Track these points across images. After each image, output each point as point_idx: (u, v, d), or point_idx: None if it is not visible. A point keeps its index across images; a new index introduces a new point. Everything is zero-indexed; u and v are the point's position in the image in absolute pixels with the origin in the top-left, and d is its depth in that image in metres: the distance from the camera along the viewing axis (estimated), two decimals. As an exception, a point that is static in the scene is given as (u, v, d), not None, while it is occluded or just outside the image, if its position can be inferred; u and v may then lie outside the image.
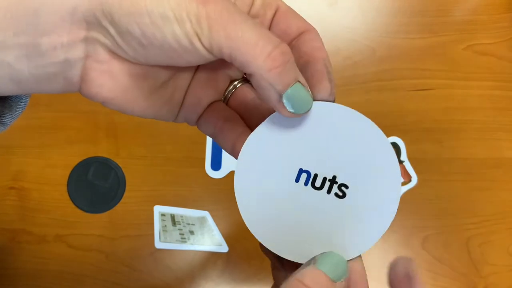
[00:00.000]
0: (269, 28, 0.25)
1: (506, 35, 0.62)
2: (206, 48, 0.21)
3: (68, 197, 0.58)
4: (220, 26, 0.20)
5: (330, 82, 0.24)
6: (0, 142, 0.58)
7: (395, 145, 0.59)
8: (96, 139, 0.59)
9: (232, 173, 0.58)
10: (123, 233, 0.57)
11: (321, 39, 0.25)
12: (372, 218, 0.24)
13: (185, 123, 0.28)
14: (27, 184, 0.58)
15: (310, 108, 0.22)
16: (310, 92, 0.22)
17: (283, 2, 0.26)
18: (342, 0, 0.62)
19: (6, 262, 0.56)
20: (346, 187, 0.24)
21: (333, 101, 0.24)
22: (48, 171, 0.58)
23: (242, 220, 0.25)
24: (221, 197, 0.58)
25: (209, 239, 0.57)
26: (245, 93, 0.27)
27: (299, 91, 0.22)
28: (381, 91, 0.60)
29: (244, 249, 0.57)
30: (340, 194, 0.24)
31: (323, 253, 0.24)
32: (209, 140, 0.59)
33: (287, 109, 0.22)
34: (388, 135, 0.60)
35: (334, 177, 0.24)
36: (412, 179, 0.58)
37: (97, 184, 0.58)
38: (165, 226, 0.57)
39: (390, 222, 0.24)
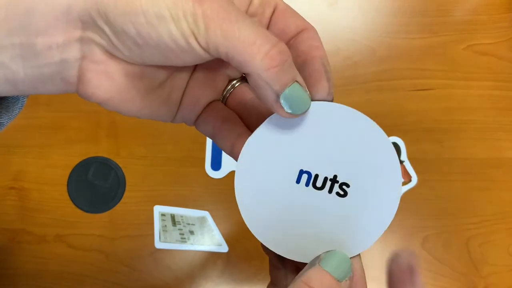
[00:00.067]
0: (268, 27, 0.25)
1: (506, 35, 0.62)
2: (203, 48, 0.21)
3: (68, 197, 0.58)
4: (217, 24, 0.20)
5: (328, 82, 0.23)
6: (0, 142, 0.58)
7: (395, 145, 0.59)
8: (96, 139, 0.59)
9: (232, 173, 0.58)
10: (123, 233, 0.57)
11: (319, 38, 0.25)
12: (373, 216, 0.24)
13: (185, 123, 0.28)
14: (27, 184, 0.58)
15: (308, 109, 0.22)
16: (308, 92, 0.22)
17: (282, 0, 0.25)
18: (342, 0, 0.62)
19: (6, 262, 0.56)
20: (348, 186, 0.24)
21: (331, 101, 0.24)
22: (48, 171, 0.58)
23: (242, 220, 0.25)
24: (221, 197, 0.58)
25: (209, 239, 0.57)
26: (243, 92, 0.27)
27: (297, 91, 0.21)
28: (381, 91, 0.60)
29: (244, 249, 0.57)
30: (342, 193, 0.24)
31: (327, 252, 0.24)
32: (209, 140, 0.59)
33: (284, 110, 0.21)
34: (388, 135, 0.60)
35: (335, 176, 0.24)
36: (412, 179, 0.58)
37: (97, 184, 0.58)
38: (165, 226, 0.57)
39: (391, 220, 0.25)
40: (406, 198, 0.58)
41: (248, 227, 0.25)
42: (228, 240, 0.57)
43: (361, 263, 0.25)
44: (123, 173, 0.58)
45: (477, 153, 0.59)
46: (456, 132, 0.59)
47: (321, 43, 0.24)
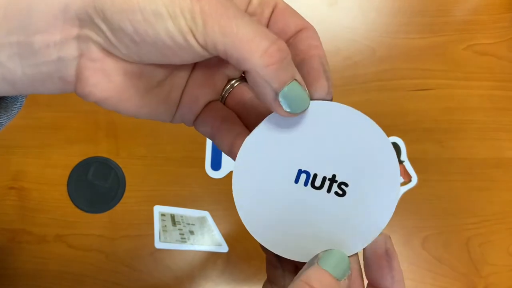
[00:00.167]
0: (267, 27, 0.25)
1: (506, 35, 0.62)
2: (201, 45, 0.20)
3: (68, 197, 0.58)
4: (215, 21, 0.20)
5: (327, 81, 0.23)
6: (0, 142, 0.58)
7: (395, 145, 0.59)
8: (96, 139, 0.59)
9: (232, 173, 0.58)
10: (123, 233, 0.57)
11: (318, 37, 0.24)
12: (371, 215, 0.24)
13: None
14: (27, 184, 0.58)
15: (307, 108, 0.22)
16: (307, 91, 0.22)
17: (281, 0, 0.25)
18: (342, 0, 0.62)
19: (6, 262, 0.56)
20: (346, 185, 0.24)
21: (331, 100, 0.24)
22: (48, 171, 0.58)
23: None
24: (221, 197, 0.58)
25: (209, 239, 0.57)
26: (242, 92, 0.27)
27: (296, 89, 0.21)
28: (381, 91, 0.60)
29: (244, 249, 0.57)
30: (340, 192, 0.24)
31: (326, 251, 0.24)
32: (209, 140, 0.59)
33: (283, 108, 0.21)
34: (388, 135, 0.60)
35: (334, 175, 0.24)
36: (412, 179, 0.58)
37: (97, 184, 0.58)
38: (165, 226, 0.57)
39: (389, 218, 0.25)
40: (406, 198, 0.58)
41: (246, 227, 0.24)
42: (228, 240, 0.57)
43: (359, 261, 0.25)
44: (123, 173, 0.58)
45: (477, 153, 0.59)
46: (456, 132, 0.59)
47: (320, 43, 0.24)
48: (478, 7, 0.62)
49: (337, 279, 0.23)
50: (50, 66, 0.22)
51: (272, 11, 0.25)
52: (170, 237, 0.57)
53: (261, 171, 0.24)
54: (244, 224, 0.24)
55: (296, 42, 0.24)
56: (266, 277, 0.30)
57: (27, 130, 0.59)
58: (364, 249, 0.25)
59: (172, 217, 0.57)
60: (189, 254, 0.57)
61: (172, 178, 0.58)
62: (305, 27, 0.24)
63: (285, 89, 0.21)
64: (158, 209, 0.57)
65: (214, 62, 0.26)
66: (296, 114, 0.22)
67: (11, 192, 0.58)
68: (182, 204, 0.58)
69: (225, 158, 0.59)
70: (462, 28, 0.62)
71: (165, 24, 0.20)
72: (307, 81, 0.23)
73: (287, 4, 0.25)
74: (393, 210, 0.24)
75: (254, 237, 0.25)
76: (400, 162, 0.59)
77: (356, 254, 0.25)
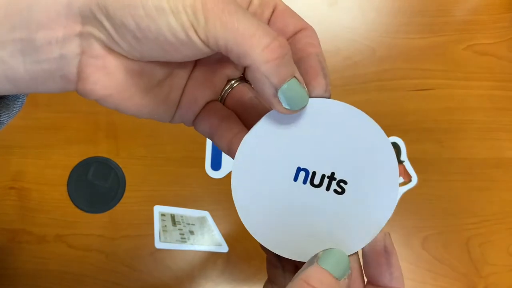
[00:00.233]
0: None
1: (506, 35, 0.62)
2: (202, 40, 0.20)
3: (68, 197, 0.58)
4: (217, 17, 0.20)
5: (325, 78, 0.23)
6: (0, 143, 0.58)
7: (395, 145, 0.59)
8: (96, 139, 0.59)
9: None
10: (123, 233, 0.57)
11: (317, 37, 0.25)
12: (371, 212, 0.24)
13: (184, 124, 0.28)
14: (27, 184, 0.58)
15: (306, 105, 0.22)
16: (306, 88, 0.22)
17: (281, 1, 0.25)
18: (342, 0, 0.62)
19: (6, 262, 0.56)
20: (345, 183, 0.24)
21: (329, 97, 0.24)
22: (48, 171, 0.58)
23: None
24: (221, 197, 0.58)
25: (209, 239, 0.57)
26: (242, 92, 0.27)
27: (295, 87, 0.21)
28: (381, 91, 0.60)
29: (244, 249, 0.57)
30: (339, 190, 0.24)
31: (325, 250, 0.24)
32: (209, 140, 0.59)
33: (282, 105, 0.21)
34: (388, 135, 0.60)
35: (333, 173, 0.24)
36: (412, 179, 0.58)
37: (97, 184, 0.58)
38: (165, 226, 0.57)
39: (389, 216, 0.24)
40: (406, 198, 0.58)
41: (246, 226, 0.24)
42: (228, 240, 0.57)
43: (359, 260, 0.25)
44: (123, 173, 0.58)
45: (477, 153, 0.59)
46: (456, 132, 0.59)
47: (319, 42, 0.24)
48: (478, 7, 0.62)
49: (337, 279, 0.23)
50: (52, 63, 0.22)
51: (272, 12, 0.25)
52: (170, 237, 0.57)
53: (260, 169, 0.24)
54: (244, 223, 0.24)
55: (294, 42, 0.24)
56: (266, 277, 0.30)
57: (27, 130, 0.59)
58: (363, 248, 0.25)
59: (172, 217, 0.57)
60: (189, 254, 0.57)
61: (172, 178, 0.58)
62: (304, 28, 0.25)
63: (285, 86, 0.21)
64: (158, 209, 0.57)
65: (214, 62, 0.26)
66: (295, 111, 0.22)
67: (11, 192, 0.58)
68: (182, 204, 0.58)
69: (225, 158, 0.59)
70: (462, 28, 0.62)
71: (167, 19, 0.20)
72: (305, 79, 0.23)
73: (287, 6, 0.25)
74: (394, 207, 0.24)
75: (254, 236, 0.24)
76: (400, 162, 0.59)
77: (356, 253, 0.25)
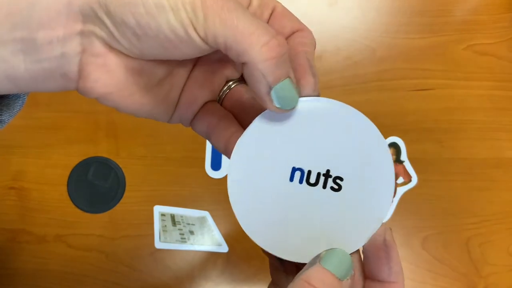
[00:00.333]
0: None
1: (506, 35, 0.62)
2: (202, 38, 0.21)
3: (68, 197, 0.58)
4: (216, 14, 0.20)
5: (314, 77, 0.23)
6: (0, 142, 0.58)
7: (395, 145, 0.59)
8: (96, 139, 0.59)
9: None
10: (123, 233, 0.57)
11: (312, 38, 0.25)
12: (370, 206, 0.24)
13: (184, 123, 0.28)
14: (27, 184, 0.58)
15: (295, 106, 0.23)
16: (297, 89, 0.22)
17: (280, 3, 0.26)
18: (342, 0, 0.62)
19: (6, 262, 0.56)
20: (341, 179, 0.24)
21: (318, 95, 0.24)
22: (48, 171, 0.58)
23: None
24: (221, 197, 0.58)
25: (209, 239, 0.57)
26: (240, 93, 0.27)
27: (288, 87, 0.22)
28: (381, 91, 0.60)
29: (244, 249, 0.57)
30: (336, 187, 0.24)
31: (328, 250, 0.24)
32: (209, 140, 0.59)
33: (273, 104, 0.22)
34: (388, 135, 0.60)
35: (328, 171, 0.24)
36: (412, 179, 0.58)
37: (97, 184, 0.58)
38: (165, 226, 0.57)
39: (388, 208, 0.24)
40: (406, 198, 0.58)
41: (244, 229, 0.24)
42: (228, 240, 0.57)
43: (361, 258, 0.25)
44: (123, 173, 0.58)
45: (477, 153, 0.59)
46: (456, 132, 0.59)
47: (312, 43, 0.25)
48: (478, 7, 0.62)
49: (340, 279, 0.22)
50: (52, 62, 0.22)
51: (271, 14, 0.25)
52: (170, 237, 0.57)
53: (255, 172, 0.24)
54: (242, 227, 0.24)
55: (288, 41, 0.24)
56: (265, 277, 0.30)
57: (27, 130, 0.59)
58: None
59: (172, 217, 0.57)
60: (189, 254, 0.57)
61: (172, 178, 0.58)
62: (300, 29, 0.25)
63: (278, 85, 0.21)
64: (158, 209, 0.57)
65: (213, 63, 0.26)
66: (285, 110, 0.22)
67: (11, 192, 0.58)
68: (182, 204, 0.58)
69: (225, 158, 0.59)
70: (462, 28, 0.62)
71: (166, 16, 0.20)
72: (294, 77, 0.23)
73: (285, 8, 0.25)
74: (391, 199, 0.24)
75: (252, 239, 0.24)
76: (400, 162, 0.59)
77: (358, 253, 0.25)
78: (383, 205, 0.24)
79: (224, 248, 0.57)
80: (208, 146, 0.59)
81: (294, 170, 0.24)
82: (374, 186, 0.24)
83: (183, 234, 0.57)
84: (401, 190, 0.58)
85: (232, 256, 0.57)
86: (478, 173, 0.58)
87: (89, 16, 0.21)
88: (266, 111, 0.24)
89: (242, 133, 0.24)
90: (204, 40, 0.21)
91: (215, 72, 0.27)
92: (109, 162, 0.58)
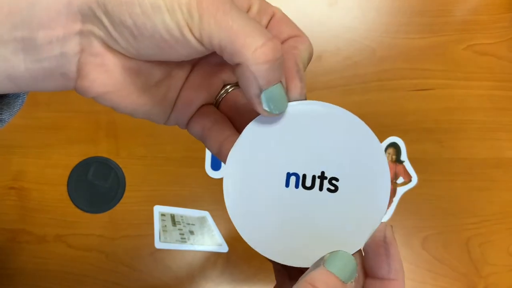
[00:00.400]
0: None
1: (506, 35, 0.62)
2: (197, 39, 0.21)
3: (68, 197, 0.58)
4: (211, 15, 0.20)
5: (301, 81, 0.23)
6: (0, 142, 0.58)
7: (395, 145, 0.59)
8: (96, 139, 0.59)
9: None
10: (123, 233, 0.57)
11: (307, 44, 0.25)
12: (368, 204, 0.24)
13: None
14: (27, 184, 0.58)
15: (284, 111, 0.23)
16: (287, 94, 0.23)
17: (279, 9, 0.26)
18: (342, 0, 0.62)
19: (6, 262, 0.56)
20: (337, 179, 0.24)
21: (305, 99, 0.24)
22: (48, 171, 0.58)
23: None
24: (221, 197, 0.57)
25: (209, 239, 0.57)
26: (236, 97, 0.27)
27: (279, 92, 0.22)
28: (381, 91, 0.60)
29: (244, 249, 0.57)
30: (332, 188, 0.24)
31: (332, 252, 0.24)
32: (209, 140, 0.59)
33: (262, 107, 0.22)
34: (388, 135, 0.60)
35: (323, 172, 0.24)
36: (412, 179, 0.58)
37: (97, 184, 0.58)
38: (165, 226, 0.57)
39: (386, 205, 0.24)
40: (406, 198, 0.58)
41: (244, 238, 0.24)
42: (228, 240, 0.57)
43: (362, 258, 0.25)
44: (123, 173, 0.58)
45: (477, 153, 0.59)
46: (456, 132, 0.59)
47: (306, 48, 0.24)
48: (478, 7, 0.62)
49: (343, 282, 0.22)
50: (52, 61, 0.22)
51: (270, 20, 0.25)
52: (170, 237, 0.57)
53: (251, 179, 0.24)
54: (242, 236, 0.24)
55: (282, 46, 0.24)
56: (265, 277, 0.30)
57: (27, 130, 0.59)
58: None
59: (172, 217, 0.57)
60: (189, 254, 0.57)
61: (172, 178, 0.58)
62: (297, 35, 0.25)
63: (269, 89, 0.21)
64: (158, 209, 0.57)
65: (211, 66, 0.27)
66: (273, 114, 0.23)
67: (11, 192, 0.58)
68: (182, 204, 0.58)
69: (225, 158, 0.58)
70: (462, 28, 0.62)
71: (162, 17, 0.20)
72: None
73: (284, 14, 0.26)
74: (388, 196, 0.24)
75: (252, 247, 0.24)
76: (400, 162, 0.59)
77: (359, 252, 0.25)
78: (381, 201, 0.24)
79: (224, 248, 0.57)
80: (208, 146, 0.59)
81: (289, 175, 0.24)
82: (370, 183, 0.24)
83: (183, 234, 0.57)
84: (401, 190, 0.58)
85: (232, 256, 0.57)
86: (478, 173, 0.58)
87: (87, 16, 0.21)
88: (258, 117, 0.24)
89: (236, 137, 0.24)
90: (199, 41, 0.21)
91: (213, 75, 0.27)
92: (109, 162, 0.58)
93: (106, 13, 0.21)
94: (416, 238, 0.57)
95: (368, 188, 0.24)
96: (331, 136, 0.24)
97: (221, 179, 0.58)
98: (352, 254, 0.24)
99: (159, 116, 0.26)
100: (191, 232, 0.57)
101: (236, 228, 0.24)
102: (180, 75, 0.26)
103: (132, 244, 0.57)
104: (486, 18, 0.62)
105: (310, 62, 0.25)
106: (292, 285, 0.27)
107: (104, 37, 0.22)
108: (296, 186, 0.24)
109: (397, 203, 0.58)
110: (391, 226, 0.24)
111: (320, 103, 0.24)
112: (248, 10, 0.25)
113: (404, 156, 0.59)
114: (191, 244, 0.57)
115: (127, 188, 0.58)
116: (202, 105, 0.27)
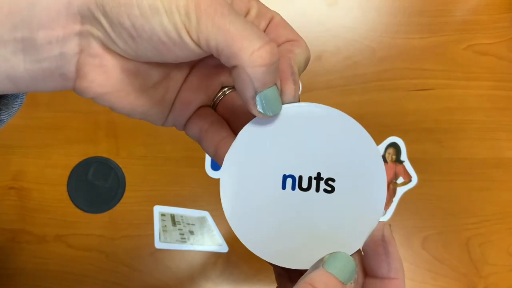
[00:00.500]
0: None
1: (506, 35, 0.62)
2: (194, 41, 0.21)
3: (68, 197, 0.58)
4: (209, 18, 0.20)
5: (295, 84, 0.24)
6: (0, 142, 0.58)
7: (395, 145, 0.59)
8: (96, 139, 0.59)
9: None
10: (123, 233, 0.57)
11: (304, 48, 0.25)
12: (365, 204, 0.24)
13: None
14: (27, 184, 0.58)
15: (278, 113, 0.23)
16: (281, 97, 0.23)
17: (278, 14, 0.26)
18: (342, 0, 0.62)
19: (6, 262, 0.56)
20: (333, 180, 0.24)
21: (298, 101, 0.24)
22: (48, 171, 0.58)
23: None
24: (221, 197, 0.57)
25: (209, 239, 0.57)
26: (233, 99, 0.27)
27: (274, 94, 0.22)
28: (381, 91, 0.60)
29: (244, 250, 0.56)
30: (329, 189, 0.24)
31: (331, 253, 0.24)
32: (209, 140, 0.59)
33: (256, 108, 0.22)
34: (388, 135, 0.60)
35: (319, 173, 0.24)
36: (412, 179, 0.58)
37: (97, 184, 0.58)
38: (165, 226, 0.57)
39: (383, 204, 0.24)
40: (406, 198, 0.58)
41: (242, 241, 0.24)
42: (228, 240, 0.57)
43: (361, 258, 0.25)
44: (123, 173, 0.58)
45: (477, 153, 0.59)
46: (456, 132, 0.59)
47: (303, 52, 0.25)
48: (478, 7, 0.62)
49: (343, 283, 0.22)
50: (51, 62, 0.22)
51: (268, 24, 0.25)
52: (170, 237, 0.57)
53: (247, 181, 0.24)
54: (240, 238, 0.24)
55: (278, 49, 0.24)
56: (265, 278, 0.30)
57: (27, 130, 0.59)
58: None
59: (172, 217, 0.57)
60: (189, 254, 0.57)
61: (172, 178, 0.58)
62: (295, 39, 0.25)
63: (264, 91, 0.22)
64: (158, 209, 0.57)
65: (210, 68, 0.27)
66: (268, 116, 0.23)
67: (11, 192, 0.58)
68: (182, 204, 0.58)
69: (225, 158, 0.58)
70: (462, 28, 0.62)
71: (160, 19, 0.20)
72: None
73: (283, 18, 0.26)
74: (385, 194, 0.24)
75: (251, 250, 0.24)
76: (400, 162, 0.59)
77: (358, 252, 0.25)
78: (378, 200, 0.24)
79: (224, 248, 0.57)
80: (208, 146, 0.59)
81: (285, 177, 0.24)
82: (366, 182, 0.24)
83: (183, 234, 0.57)
84: (401, 190, 0.58)
85: (232, 256, 0.57)
86: (478, 173, 0.58)
87: (87, 16, 0.21)
88: (254, 119, 0.24)
89: (233, 138, 0.24)
90: (196, 43, 0.21)
91: (211, 77, 0.27)
92: (109, 162, 0.58)
93: (105, 14, 0.21)
94: (416, 238, 0.57)
95: (365, 187, 0.24)
96: (327, 137, 0.24)
97: (221, 179, 0.58)
98: (351, 255, 0.24)
99: (157, 117, 0.27)
100: (191, 232, 0.57)
101: (234, 230, 0.24)
102: (178, 76, 0.26)
103: (132, 244, 0.57)
104: (486, 18, 0.62)
105: (310, 62, 0.26)
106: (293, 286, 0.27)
107: (103, 38, 0.22)
108: (293, 188, 0.24)
109: (397, 203, 0.58)
110: (389, 225, 0.24)
111: (316, 105, 0.24)
112: (246, 14, 0.25)
113: (404, 156, 0.59)
114: (191, 244, 0.57)
115: (127, 188, 0.58)
116: (200, 107, 0.27)
